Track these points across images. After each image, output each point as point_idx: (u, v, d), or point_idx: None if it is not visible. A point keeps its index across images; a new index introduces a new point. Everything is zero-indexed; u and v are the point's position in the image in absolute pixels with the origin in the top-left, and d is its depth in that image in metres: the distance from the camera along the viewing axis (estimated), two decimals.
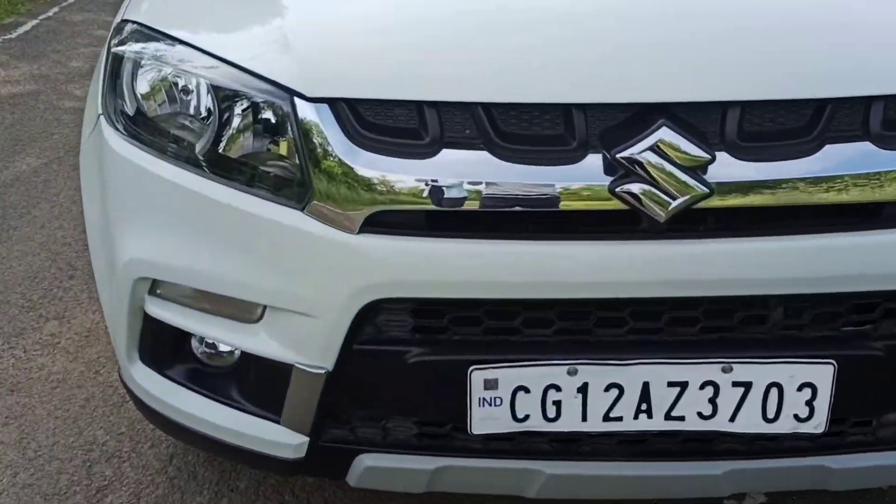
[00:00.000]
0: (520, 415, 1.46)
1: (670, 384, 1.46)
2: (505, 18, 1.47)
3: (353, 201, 1.39)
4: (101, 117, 1.64)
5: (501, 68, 1.40)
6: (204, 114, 1.53)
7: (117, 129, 1.60)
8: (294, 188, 1.44)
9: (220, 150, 1.50)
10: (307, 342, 1.48)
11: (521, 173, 1.38)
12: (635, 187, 1.35)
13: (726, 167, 1.35)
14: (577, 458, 1.53)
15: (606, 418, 1.46)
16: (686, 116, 1.36)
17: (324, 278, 1.43)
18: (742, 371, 1.43)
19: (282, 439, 1.57)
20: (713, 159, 1.35)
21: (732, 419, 1.46)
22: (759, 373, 1.43)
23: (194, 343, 1.67)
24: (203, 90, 1.52)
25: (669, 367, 1.45)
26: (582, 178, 1.37)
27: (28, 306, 2.90)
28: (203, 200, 1.49)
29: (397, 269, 1.40)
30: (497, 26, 1.46)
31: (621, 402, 1.45)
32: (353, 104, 1.41)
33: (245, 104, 1.48)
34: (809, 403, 1.44)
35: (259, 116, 1.47)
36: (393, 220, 1.40)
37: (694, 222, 1.38)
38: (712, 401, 1.45)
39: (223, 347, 1.65)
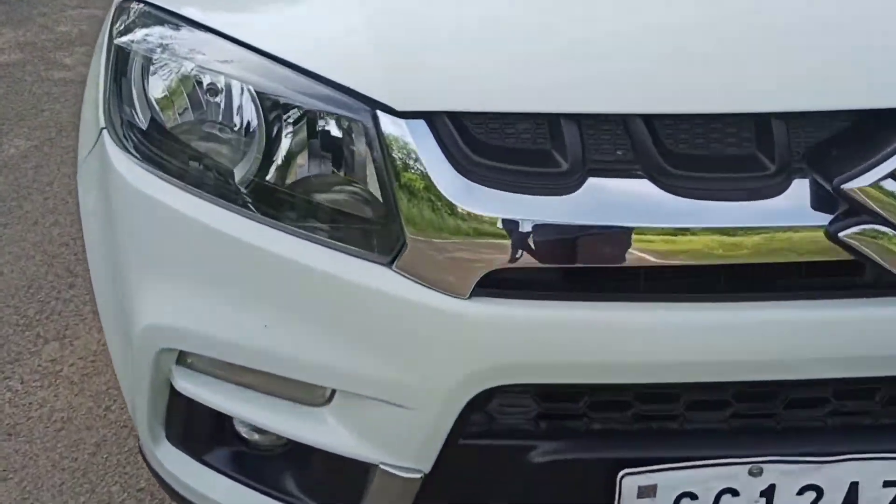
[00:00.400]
0: None
1: (887, 484, 1.09)
2: (668, 11, 1.06)
3: (463, 254, 1.00)
4: (105, 132, 1.23)
5: (668, 69, 0.99)
6: (245, 130, 1.12)
7: (126, 150, 1.19)
8: (377, 235, 1.04)
9: (269, 181, 1.10)
10: (395, 437, 1.10)
11: (696, 210, 0.98)
12: (866, 230, 0.95)
13: None
14: None
15: None
16: None
17: (420, 359, 1.04)
18: None
19: None
20: None
21: None
22: None
23: (237, 421, 1.29)
24: (243, 98, 1.11)
25: (887, 462, 1.08)
26: (783, 217, 0.98)
27: (24, 324, 2.52)
28: (246, 249, 1.09)
29: (525, 347, 1.01)
30: (655, 21, 1.05)
31: None
32: (461, 120, 1.01)
33: (303, 119, 1.07)
34: None
35: (324, 136, 1.06)
36: (519, 278, 1.01)
37: None
38: None
39: None
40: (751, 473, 1.07)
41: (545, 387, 1.06)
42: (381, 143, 1.01)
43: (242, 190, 1.10)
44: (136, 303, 1.18)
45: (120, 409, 2.16)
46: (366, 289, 1.04)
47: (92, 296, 2.55)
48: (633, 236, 0.97)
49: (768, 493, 1.08)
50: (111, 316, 1.28)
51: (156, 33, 1.21)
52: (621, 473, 1.06)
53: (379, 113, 1.01)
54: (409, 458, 1.10)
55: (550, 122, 1.00)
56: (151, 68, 1.21)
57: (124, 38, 1.22)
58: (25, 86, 4.35)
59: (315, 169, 1.07)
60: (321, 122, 1.06)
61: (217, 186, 1.13)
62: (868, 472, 1.07)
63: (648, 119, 0.98)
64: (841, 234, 0.95)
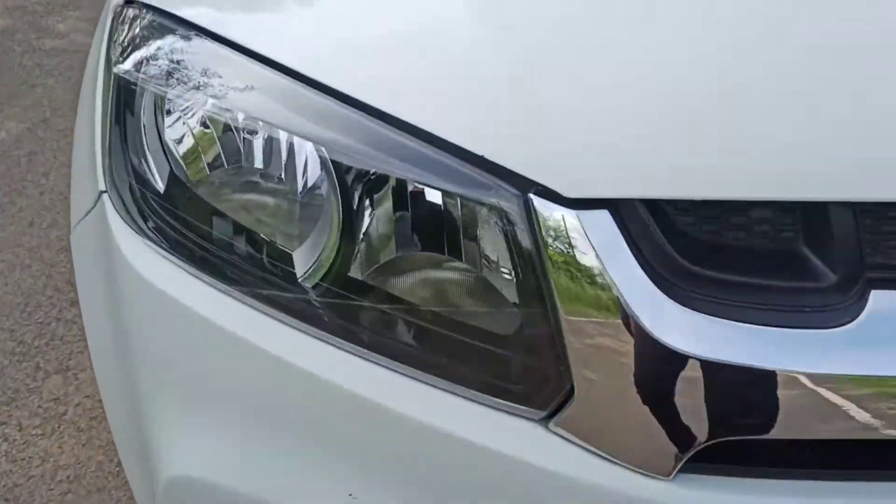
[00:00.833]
0: None
1: None
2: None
3: (672, 415, 0.65)
4: (106, 198, 0.87)
5: None
6: (308, 192, 0.76)
7: (136, 225, 0.83)
8: (527, 377, 0.69)
9: (352, 279, 0.74)
10: None
11: None
12: None
13: None
14: None
15: None
16: None
17: None
18: None
19: None
20: None
21: None
22: None
23: None
24: (308, 157, 0.75)
25: None
26: None
27: (21, 352, 2.18)
28: (323, 389, 0.74)
29: None
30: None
31: None
32: (661, 208, 0.65)
33: (405, 191, 0.71)
34: None
35: (439, 223, 0.70)
36: (754, 454, 0.66)
37: None
38: None
39: None
40: None
41: None
42: (536, 239, 0.66)
43: (311, 294, 0.75)
44: (158, 444, 0.84)
45: None
46: (507, 457, 0.69)
47: None
48: None
49: None
50: (129, 451, 0.93)
51: (171, 56, 0.84)
52: None
53: (534, 198, 0.65)
54: None
55: (805, 208, 0.64)
56: (168, 104, 0.84)
57: (128, 66, 0.85)
58: (15, 57, 3.96)
59: (426, 269, 0.71)
60: (434, 203, 0.70)
61: (269, 282, 0.77)
62: None
63: None
64: None
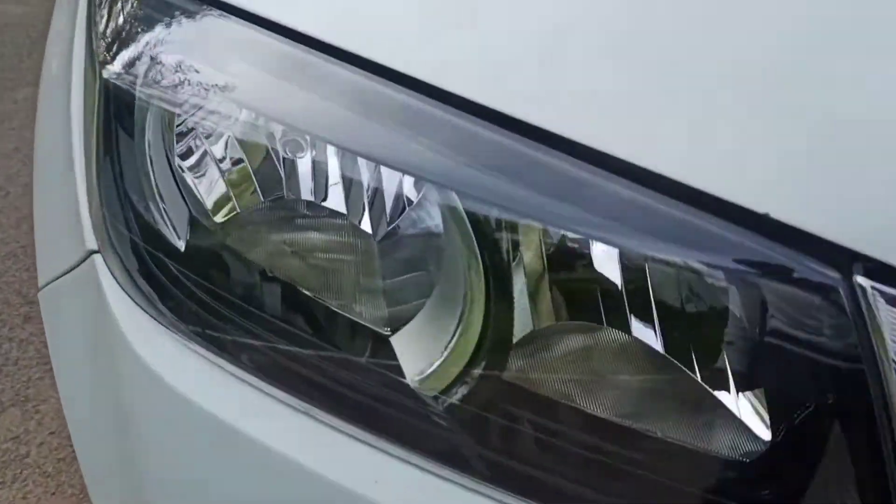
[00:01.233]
0: None
1: None
2: None
3: None
4: (98, 260, 0.60)
5: None
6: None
7: (152, 306, 0.57)
8: None
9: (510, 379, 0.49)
10: None
11: None
12: None
13: None
14: None
15: None
16: None
17: None
18: None
19: None
20: None
21: None
22: None
23: None
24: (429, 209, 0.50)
25: None
26: None
27: None
28: None
29: None
30: None
31: None
32: None
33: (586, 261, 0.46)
34: None
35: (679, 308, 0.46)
36: None
37: None
38: None
39: None
40: None
41: None
42: (867, 335, 0.42)
43: (437, 407, 0.50)
44: None
45: None
46: None
47: None
48: None
49: None
50: None
51: (181, 48, 0.57)
52: None
53: (861, 281, 0.42)
54: None
55: None
56: (181, 119, 0.58)
57: (121, 68, 0.58)
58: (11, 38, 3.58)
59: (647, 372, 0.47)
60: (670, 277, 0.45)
61: (359, 389, 0.52)
62: None
63: None
64: None
